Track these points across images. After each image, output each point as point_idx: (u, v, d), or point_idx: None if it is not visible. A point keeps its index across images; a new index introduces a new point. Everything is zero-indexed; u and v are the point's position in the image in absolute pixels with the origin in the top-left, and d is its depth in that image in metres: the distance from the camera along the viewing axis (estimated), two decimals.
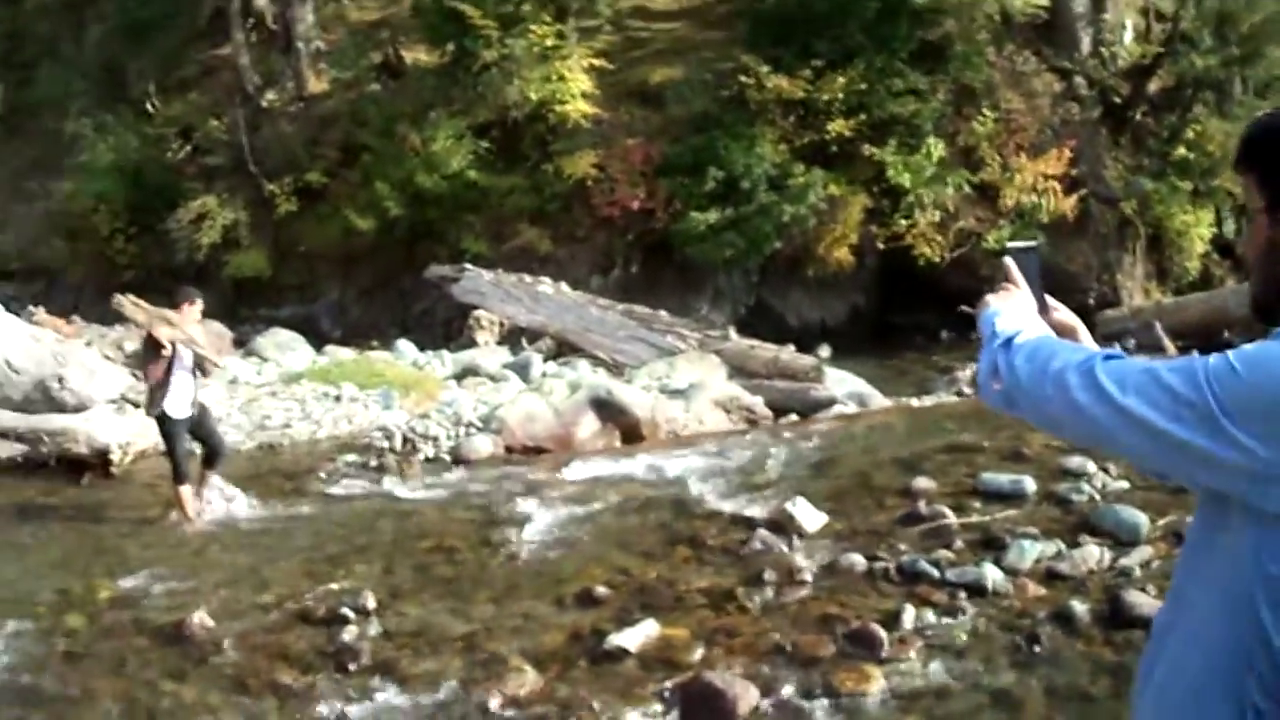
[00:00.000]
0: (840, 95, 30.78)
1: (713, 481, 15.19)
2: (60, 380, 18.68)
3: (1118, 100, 33.59)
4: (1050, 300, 3.79)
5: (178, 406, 15.40)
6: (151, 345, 15.26)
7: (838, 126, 30.58)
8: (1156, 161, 32.77)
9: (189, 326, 15.61)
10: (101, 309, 30.27)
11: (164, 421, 15.32)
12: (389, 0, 42.17)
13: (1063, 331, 3.68)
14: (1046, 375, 3.25)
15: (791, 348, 23.90)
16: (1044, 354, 3.31)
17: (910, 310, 30.80)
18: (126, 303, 16.05)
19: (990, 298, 3.71)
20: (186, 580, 12.72)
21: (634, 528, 13.43)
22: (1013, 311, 3.60)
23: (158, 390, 15.19)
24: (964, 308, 5.07)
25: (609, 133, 33.42)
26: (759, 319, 30.44)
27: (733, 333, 25.64)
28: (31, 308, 30.13)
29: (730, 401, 20.14)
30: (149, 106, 40.65)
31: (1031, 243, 3.98)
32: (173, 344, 15.16)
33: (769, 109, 31.18)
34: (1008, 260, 3.80)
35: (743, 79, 31.53)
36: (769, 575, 11.07)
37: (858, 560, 11.20)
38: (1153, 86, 33.80)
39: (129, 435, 18.16)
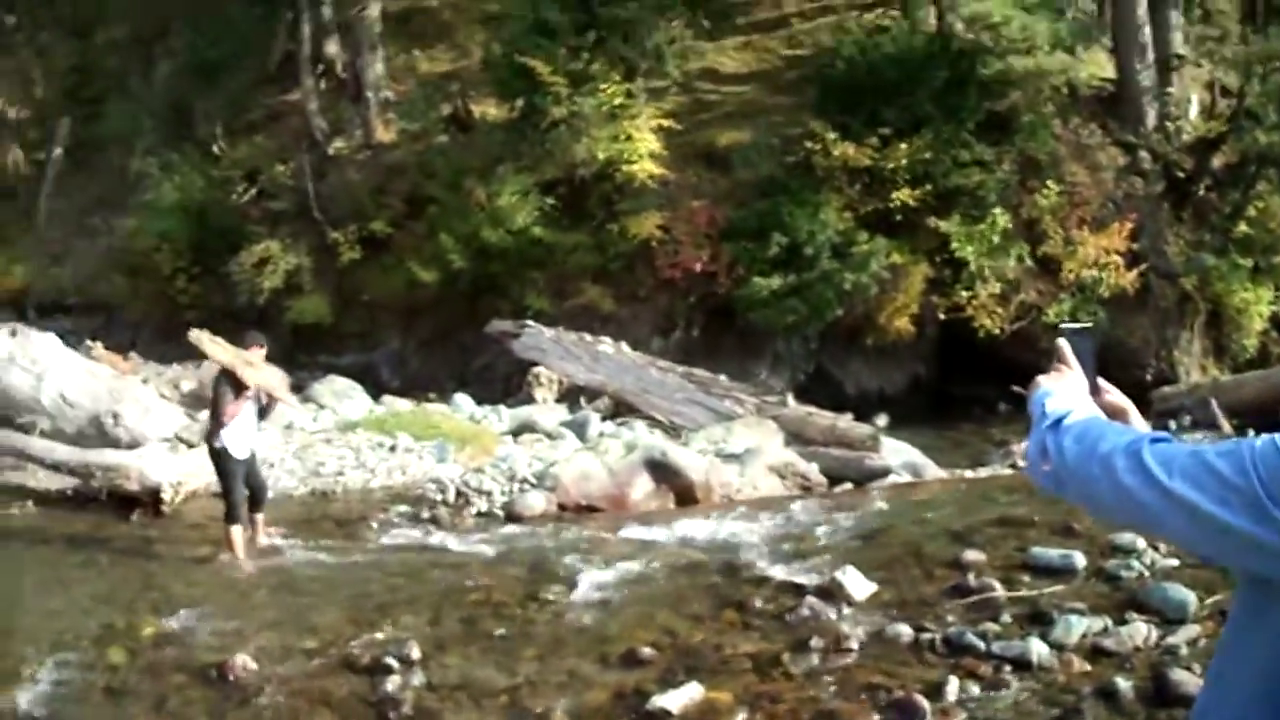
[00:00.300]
0: (906, 164, 30.75)
1: (764, 547, 15.16)
2: (115, 416, 18.81)
3: (1181, 175, 33.38)
4: (1102, 382, 3.78)
5: (241, 446, 15.53)
6: (233, 384, 15.41)
7: (902, 195, 30.49)
8: (1218, 238, 32.50)
9: (267, 371, 15.79)
10: (160, 347, 30.49)
11: (225, 459, 15.44)
12: (459, 53, 42.35)
13: (1114, 414, 3.66)
14: (1094, 457, 3.23)
15: (849, 416, 23.86)
16: (1092, 436, 3.30)
17: (969, 381, 30.53)
18: (205, 339, 16.11)
19: (1042, 378, 3.70)
20: (231, 621, 12.77)
21: (683, 590, 13.40)
22: (1063, 393, 3.58)
23: (221, 425, 15.31)
24: (1016, 388, 5.08)
25: (675, 194, 33.41)
26: (818, 386, 30.35)
27: (791, 399, 25.52)
28: (89, 342, 30.25)
29: (786, 468, 20.11)
30: (216, 148, 40.93)
31: (1086, 324, 3.97)
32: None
33: (835, 176, 31.12)
34: (1061, 341, 3.79)
35: (809, 145, 31.50)
36: (815, 642, 11.03)
37: (904, 630, 11.14)
38: (1216, 162, 33.60)
39: (181, 474, 18.25)
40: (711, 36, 38.23)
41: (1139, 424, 3.67)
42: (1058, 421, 3.41)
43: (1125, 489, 3.13)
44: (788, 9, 40.21)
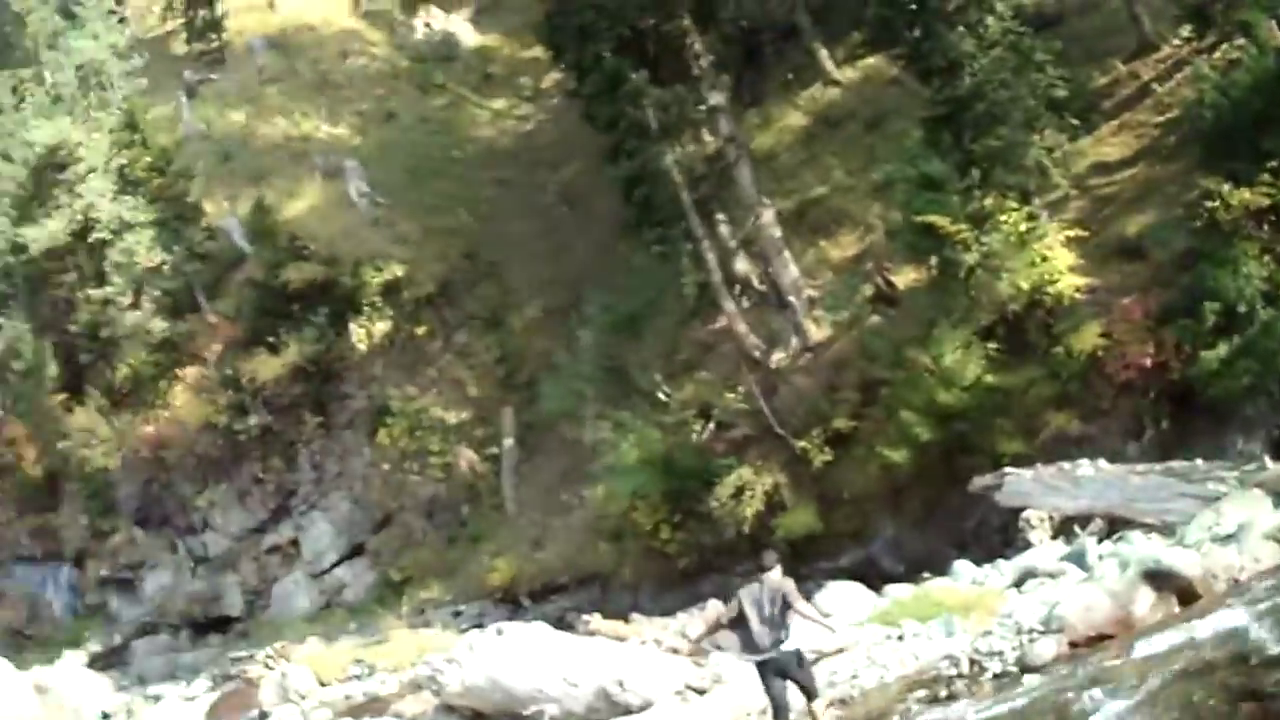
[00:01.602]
0: None
1: (1270, 623, 15.02)
2: (620, 684, 19.56)
3: None
4: None
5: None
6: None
7: None
8: None
9: None
10: (660, 601, 31.25)
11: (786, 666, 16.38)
12: (862, 230, 42.61)
13: None
14: None
15: None
16: None
17: None
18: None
19: None
20: None
21: (1195, 694, 13.43)
22: None
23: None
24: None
25: (1103, 297, 33.08)
26: None
27: (1269, 460, 25.09)
28: (585, 616, 31.28)
29: None
30: (660, 394, 41.78)
31: None
32: None
33: (1242, 225, 30.41)
34: None
35: (1209, 203, 30.95)
36: None
37: None
38: None
39: None
40: (1086, 131, 37.98)
41: None
42: None
43: None
44: (1144, 76, 39.70)
